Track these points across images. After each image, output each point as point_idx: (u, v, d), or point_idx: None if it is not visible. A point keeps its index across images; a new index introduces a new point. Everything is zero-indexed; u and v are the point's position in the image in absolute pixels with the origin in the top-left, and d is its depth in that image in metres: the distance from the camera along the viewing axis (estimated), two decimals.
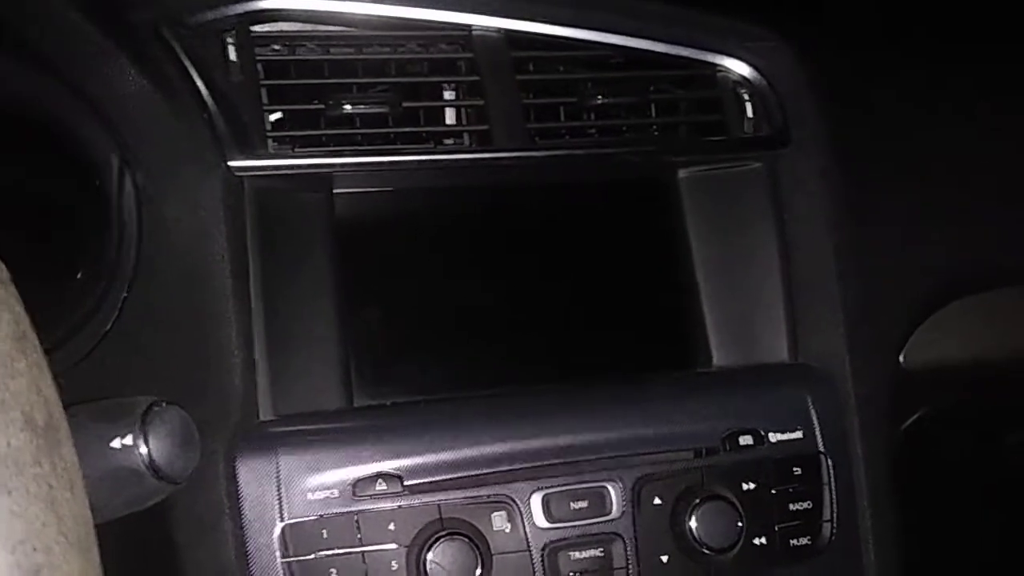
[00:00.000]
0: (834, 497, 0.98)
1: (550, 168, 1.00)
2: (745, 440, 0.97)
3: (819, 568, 0.98)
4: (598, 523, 0.92)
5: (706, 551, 0.92)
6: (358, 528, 0.86)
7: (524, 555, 0.89)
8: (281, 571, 0.85)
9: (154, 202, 0.88)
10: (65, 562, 0.43)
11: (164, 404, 0.70)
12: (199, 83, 0.90)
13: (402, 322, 0.98)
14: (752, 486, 0.95)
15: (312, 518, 0.86)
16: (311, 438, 0.88)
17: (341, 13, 0.96)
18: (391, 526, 0.87)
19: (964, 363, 1.15)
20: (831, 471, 0.99)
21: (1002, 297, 1.16)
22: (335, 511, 0.86)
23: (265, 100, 0.93)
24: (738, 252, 1.06)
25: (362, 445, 0.88)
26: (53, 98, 0.87)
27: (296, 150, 0.93)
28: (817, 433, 0.99)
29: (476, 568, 0.87)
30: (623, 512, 0.92)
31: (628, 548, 0.92)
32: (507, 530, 0.89)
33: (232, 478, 0.86)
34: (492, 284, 1.02)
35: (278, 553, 0.85)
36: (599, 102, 1.01)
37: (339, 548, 0.86)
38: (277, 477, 0.86)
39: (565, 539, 0.91)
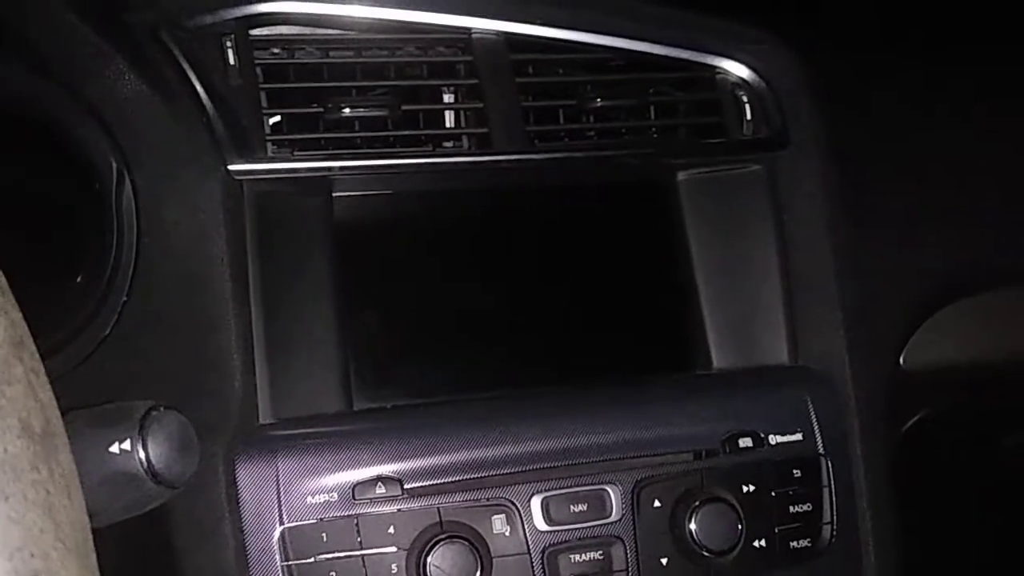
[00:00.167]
0: (834, 499, 0.98)
1: (549, 171, 1.00)
2: (745, 442, 0.96)
3: (819, 570, 0.98)
4: (598, 526, 0.92)
5: (706, 553, 0.92)
6: (358, 531, 0.86)
7: (524, 558, 0.89)
8: (281, 574, 0.85)
9: (153, 205, 0.88)
10: (63, 568, 0.43)
11: (163, 408, 0.70)
12: (198, 86, 0.90)
13: (402, 325, 0.98)
14: (752, 488, 0.95)
15: (312, 521, 0.86)
16: (311, 441, 0.88)
17: (340, 16, 0.96)
18: (391, 529, 0.87)
19: (963, 365, 1.15)
20: (831, 473, 0.99)
21: (1000, 299, 1.16)
22: (335, 514, 0.86)
23: (264, 103, 0.93)
24: (737, 254, 1.06)
25: (362, 448, 0.88)
26: (51, 101, 0.86)
27: (295, 153, 0.93)
28: (817, 435, 0.99)
29: (476, 571, 0.87)
30: (623, 514, 0.92)
31: (628, 550, 0.92)
32: (507, 533, 0.89)
33: (232, 482, 0.86)
34: (492, 287, 1.02)
35: (278, 556, 0.85)
36: (598, 104, 1.01)
37: (339, 551, 0.86)
38: (277, 480, 0.86)
39: (565, 542, 0.91)
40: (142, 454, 0.67)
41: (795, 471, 0.97)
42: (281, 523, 0.85)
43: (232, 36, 0.93)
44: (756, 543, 0.94)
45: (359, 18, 0.97)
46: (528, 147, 0.98)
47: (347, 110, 0.94)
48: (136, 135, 0.88)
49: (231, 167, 0.89)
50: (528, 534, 0.90)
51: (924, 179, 1.12)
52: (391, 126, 0.96)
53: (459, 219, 1.01)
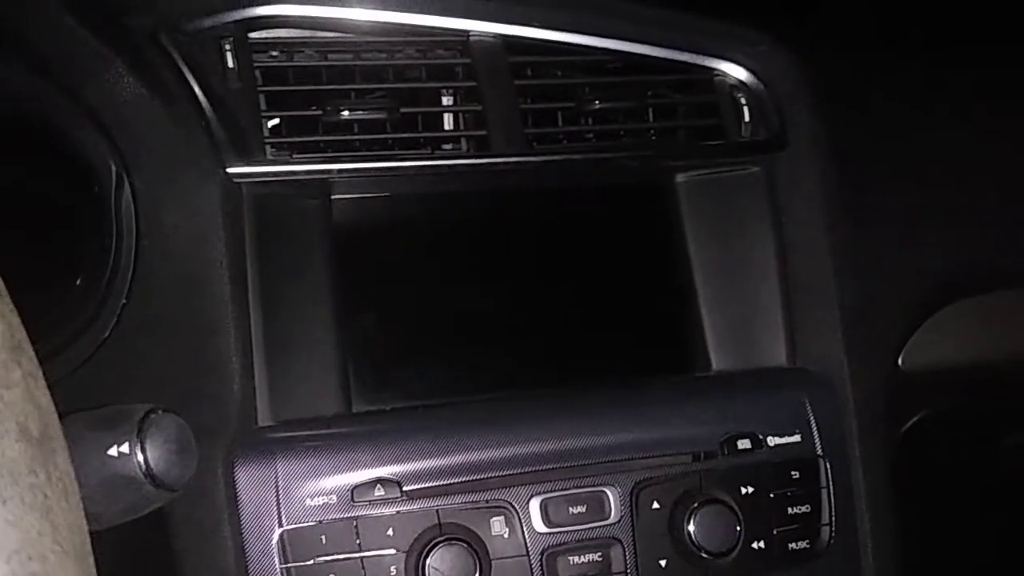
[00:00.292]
0: (832, 501, 0.98)
1: (548, 173, 1.00)
2: (743, 444, 0.97)
3: (818, 571, 0.98)
4: (597, 527, 0.92)
5: (704, 555, 0.92)
6: (357, 534, 0.86)
7: (523, 560, 0.89)
8: None
9: (152, 208, 0.88)
10: (61, 571, 0.43)
11: (161, 411, 0.70)
12: (197, 89, 0.90)
13: (400, 327, 0.99)
14: (750, 490, 0.95)
15: (311, 524, 0.86)
16: (309, 444, 0.88)
17: (339, 19, 0.96)
18: (390, 531, 0.87)
19: (962, 366, 1.15)
20: (829, 474, 0.99)
21: (1000, 300, 1.16)
22: (334, 517, 0.86)
23: (263, 106, 0.93)
24: (736, 256, 1.06)
25: (361, 450, 0.88)
26: (51, 104, 0.87)
27: (294, 156, 0.93)
28: (815, 437, 0.99)
29: (475, 573, 0.87)
30: (621, 516, 0.92)
31: (627, 552, 0.92)
32: (506, 535, 0.89)
33: (231, 484, 0.86)
34: (490, 289, 1.02)
35: (277, 559, 0.85)
36: (597, 107, 1.01)
37: (338, 554, 0.86)
38: (276, 483, 0.86)
39: (564, 544, 0.91)
40: (141, 457, 0.67)
41: (794, 472, 0.97)
42: (280, 525, 0.85)
43: (231, 39, 0.93)
44: (755, 544, 0.94)
45: (358, 21, 0.97)
46: (527, 149, 0.98)
47: (346, 113, 0.94)
48: (135, 138, 0.88)
49: (230, 170, 0.89)
50: (527, 536, 0.90)
51: (923, 180, 1.12)
52: (390, 129, 0.96)
53: (458, 221, 1.01)
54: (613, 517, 0.92)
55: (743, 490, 0.95)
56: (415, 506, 0.88)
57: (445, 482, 0.89)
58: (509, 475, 0.91)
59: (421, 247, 1.00)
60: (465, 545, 0.87)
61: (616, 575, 0.91)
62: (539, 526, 0.90)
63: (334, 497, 0.87)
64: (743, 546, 0.93)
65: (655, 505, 0.93)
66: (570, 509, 0.91)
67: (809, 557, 0.97)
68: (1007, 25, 1.21)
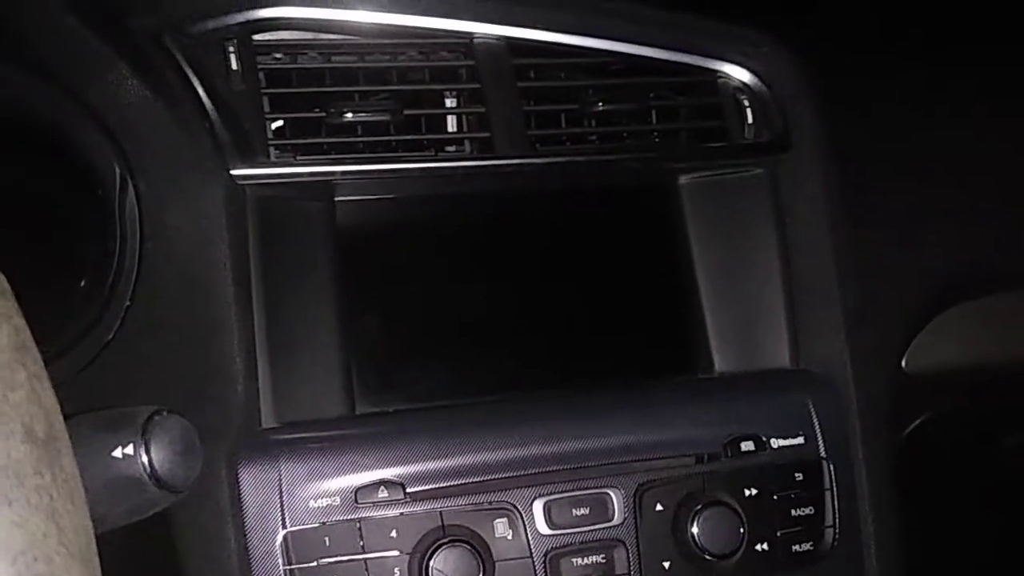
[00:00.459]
0: (836, 502, 0.98)
1: (551, 175, 1.00)
2: (747, 446, 0.96)
3: (821, 573, 0.98)
4: (600, 529, 0.92)
5: (708, 557, 0.92)
6: (360, 535, 0.86)
7: (526, 562, 0.89)
8: None
9: (156, 210, 0.88)
10: (66, 572, 0.43)
11: (165, 413, 0.70)
12: (201, 91, 0.90)
13: (404, 329, 0.99)
14: (754, 492, 0.95)
15: (314, 526, 0.86)
16: (313, 445, 0.88)
17: (343, 21, 0.96)
18: (393, 533, 0.87)
19: (966, 367, 1.15)
20: (833, 476, 0.99)
21: (1003, 301, 1.16)
22: (337, 518, 0.86)
23: (267, 108, 0.93)
24: (739, 257, 1.06)
25: (364, 452, 0.88)
26: (54, 106, 0.86)
27: (298, 158, 0.93)
28: (819, 438, 0.99)
29: (478, 575, 0.87)
30: (625, 518, 0.92)
31: (630, 554, 0.92)
32: (509, 537, 0.89)
33: (234, 486, 0.86)
34: (494, 291, 1.02)
35: (280, 560, 0.85)
36: (600, 109, 1.01)
37: (341, 555, 0.86)
38: (279, 485, 0.86)
39: (567, 545, 0.91)
40: (145, 458, 0.67)
41: (797, 474, 0.97)
42: (284, 527, 0.86)
43: (235, 41, 0.93)
44: (758, 547, 0.94)
45: (361, 23, 0.97)
46: (530, 151, 0.98)
47: (349, 115, 0.94)
48: (139, 140, 0.88)
49: (234, 172, 0.89)
50: (530, 538, 0.90)
51: (926, 181, 1.12)
52: (393, 131, 0.96)
53: (461, 223, 1.01)
54: (616, 519, 0.92)
55: (746, 492, 0.95)
56: (419, 508, 0.88)
57: (448, 484, 0.89)
58: (512, 477, 0.91)
59: (424, 249, 1.00)
60: (468, 547, 0.87)
61: None
62: (542, 528, 0.90)
63: (338, 499, 0.87)
64: (746, 548, 0.93)
65: (658, 507, 0.93)
66: (573, 511, 0.91)
67: (813, 559, 0.97)
68: (1007, 25, 1.21)
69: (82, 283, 0.87)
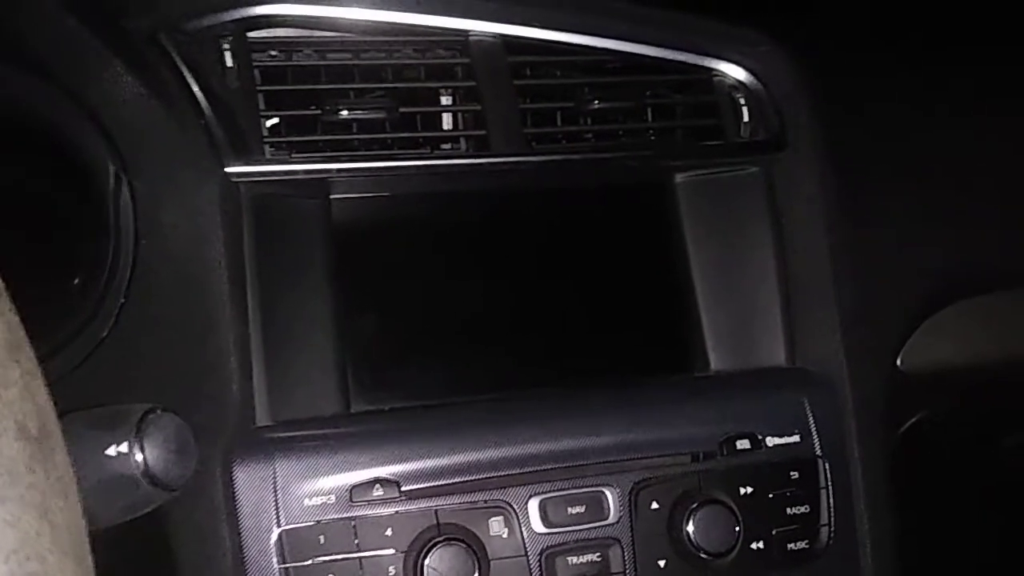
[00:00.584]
0: (831, 501, 0.98)
1: (547, 173, 1.00)
2: (742, 444, 0.97)
3: (817, 572, 0.98)
4: (595, 528, 0.92)
5: (703, 555, 0.92)
6: (355, 534, 0.86)
7: (521, 560, 0.89)
8: None
9: (151, 208, 0.88)
10: (59, 571, 0.42)
11: (160, 411, 0.70)
12: (196, 89, 0.90)
13: (399, 327, 0.98)
14: (749, 490, 0.95)
15: (309, 524, 0.86)
16: (308, 444, 0.88)
17: (338, 19, 0.96)
18: (388, 532, 0.87)
19: (962, 366, 1.15)
20: (828, 475, 0.99)
21: (999, 300, 1.16)
22: (332, 517, 0.86)
23: (262, 106, 0.93)
24: (735, 256, 1.06)
25: (359, 451, 0.88)
26: (50, 104, 0.86)
27: (293, 156, 0.93)
28: (815, 437, 0.99)
29: (473, 573, 0.87)
30: (620, 517, 0.92)
31: (626, 553, 0.92)
32: (504, 535, 0.89)
33: (229, 484, 0.86)
34: (489, 289, 1.02)
35: (275, 559, 0.85)
36: (596, 107, 1.01)
37: (336, 554, 0.86)
38: (274, 483, 0.86)
39: (563, 544, 0.91)
40: (139, 457, 0.67)
41: (793, 473, 0.97)
42: (278, 525, 0.85)
43: (230, 39, 0.93)
44: (754, 545, 0.94)
45: (357, 20, 0.97)
46: (526, 149, 0.98)
47: (345, 112, 0.94)
48: (134, 138, 0.88)
49: (229, 169, 0.89)
50: (525, 536, 0.90)
51: (922, 180, 1.12)
52: (389, 128, 0.96)
53: (457, 221, 1.01)
54: (612, 517, 0.92)
55: (742, 490, 0.95)
56: (414, 506, 0.88)
57: (444, 482, 0.89)
58: (508, 475, 0.91)
59: (420, 247, 1.00)
60: (464, 545, 0.87)
61: (615, 575, 0.91)
62: (538, 526, 0.90)
63: (332, 497, 0.87)
64: (742, 546, 0.93)
65: (654, 505, 0.93)
66: (569, 509, 0.91)
67: (808, 557, 0.97)
68: (1006, 25, 1.21)
69: (76, 280, 0.87)
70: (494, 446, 0.91)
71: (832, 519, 0.98)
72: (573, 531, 0.91)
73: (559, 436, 0.93)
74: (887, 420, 1.06)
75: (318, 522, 0.86)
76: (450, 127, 1.01)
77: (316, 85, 0.96)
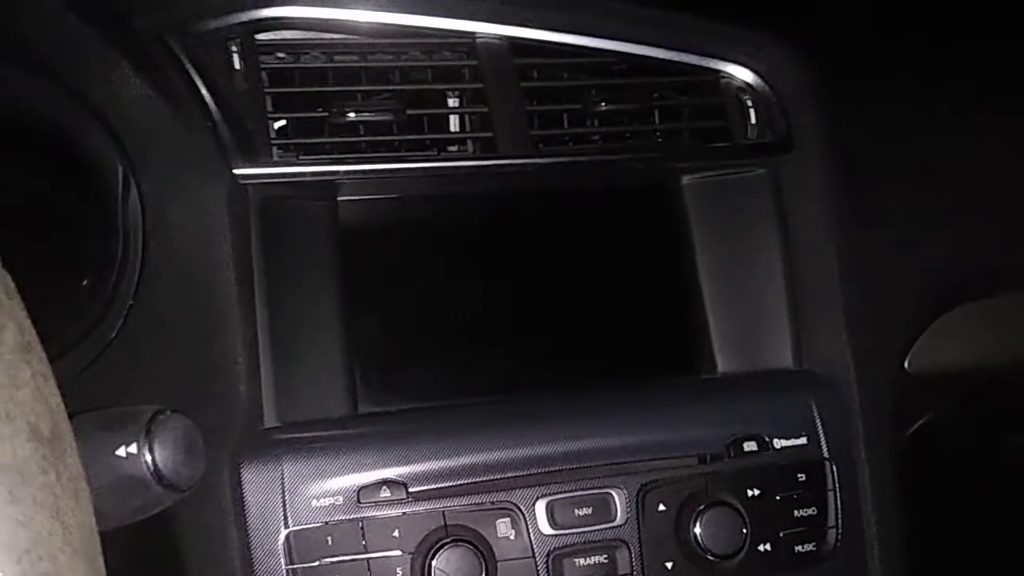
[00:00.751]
0: (839, 503, 0.98)
1: (554, 175, 1.00)
2: (749, 446, 0.96)
3: (824, 574, 0.98)
4: (603, 530, 0.92)
5: (711, 557, 0.92)
6: (363, 535, 0.86)
7: (529, 562, 0.89)
8: None
9: (159, 210, 0.88)
10: (71, 571, 0.43)
11: (169, 412, 0.70)
12: (203, 91, 0.90)
13: (407, 329, 0.99)
14: (757, 492, 0.95)
15: (317, 525, 0.86)
16: (315, 445, 0.88)
17: (345, 21, 0.96)
18: (396, 533, 0.87)
19: (969, 368, 1.14)
20: (836, 477, 0.99)
21: (1007, 302, 1.16)
22: (340, 518, 0.86)
23: (269, 108, 0.93)
24: (742, 258, 1.06)
25: (367, 452, 0.88)
26: (58, 106, 0.87)
27: (300, 158, 0.93)
28: (822, 439, 0.99)
29: (481, 575, 0.87)
30: (628, 518, 0.92)
31: (633, 555, 0.92)
32: (511, 537, 0.89)
33: (237, 485, 0.86)
34: (497, 291, 1.02)
35: (283, 560, 0.85)
36: (603, 109, 1.01)
37: (344, 555, 0.86)
38: (282, 484, 0.86)
39: (570, 546, 0.91)
40: (149, 458, 0.68)
41: (800, 475, 0.97)
42: (286, 526, 0.85)
43: (238, 41, 0.93)
44: (761, 547, 0.94)
45: (364, 22, 0.97)
46: (533, 151, 0.98)
47: (352, 114, 0.94)
48: (142, 140, 0.88)
49: (236, 171, 0.89)
50: (533, 538, 0.90)
51: (929, 181, 1.12)
52: (396, 130, 0.96)
53: (464, 223, 1.01)
54: (619, 519, 0.92)
55: (749, 492, 0.95)
56: (421, 507, 0.88)
57: (451, 484, 0.89)
58: (515, 477, 0.91)
59: (427, 249, 1.00)
60: (471, 547, 0.87)
61: None
62: (545, 528, 0.90)
63: (340, 498, 0.87)
64: (749, 548, 0.93)
65: (661, 507, 0.93)
66: (576, 511, 0.91)
67: (815, 559, 0.97)
68: (1010, 25, 1.21)
69: (85, 282, 0.87)
70: (501, 448, 0.91)
71: (839, 521, 0.98)
72: (580, 533, 0.91)
73: (566, 438, 0.93)
74: (894, 422, 1.06)
75: (326, 523, 0.86)
76: (457, 129, 1.01)
77: (324, 87, 0.96)
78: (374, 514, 0.87)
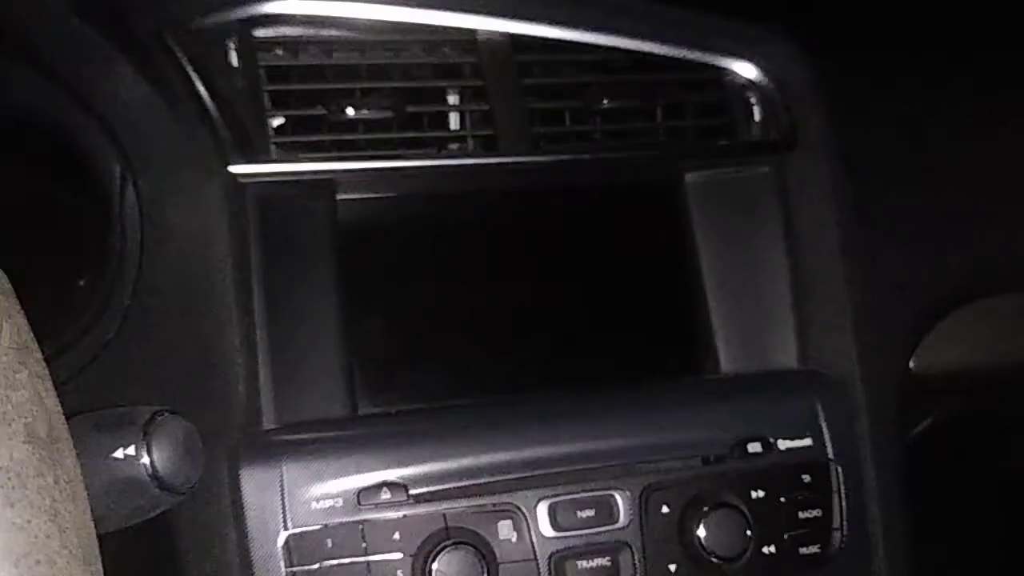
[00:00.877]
0: (844, 504, 0.98)
1: (556, 173, 1.00)
2: (754, 447, 0.96)
3: None
4: (605, 532, 0.91)
5: (715, 560, 0.91)
6: (363, 537, 0.86)
7: (530, 564, 0.89)
8: None
9: (156, 208, 0.88)
10: (68, 574, 0.42)
11: (167, 413, 0.70)
12: (201, 88, 0.90)
13: (406, 329, 0.98)
14: (761, 494, 0.95)
15: (316, 527, 0.85)
16: (315, 446, 0.87)
17: (344, 17, 0.96)
18: (396, 535, 0.86)
19: (975, 368, 1.14)
20: (841, 478, 0.98)
21: (1012, 302, 1.16)
22: (340, 520, 0.86)
23: (267, 105, 0.93)
24: (746, 256, 1.05)
25: (366, 453, 0.88)
26: (55, 104, 0.87)
27: (299, 155, 0.93)
28: (827, 440, 0.98)
29: None
30: (630, 520, 0.91)
31: (636, 557, 0.91)
32: (513, 539, 0.89)
33: (236, 487, 0.85)
34: (498, 290, 1.01)
35: (282, 562, 0.84)
36: (605, 106, 1.00)
37: (344, 557, 0.85)
38: (281, 486, 0.85)
39: (572, 548, 0.90)
40: (147, 459, 0.68)
41: (805, 476, 0.97)
42: (285, 529, 0.85)
43: (235, 38, 0.92)
44: (765, 549, 0.94)
45: (363, 19, 0.96)
46: (534, 149, 0.97)
47: (351, 111, 0.93)
48: (139, 138, 0.87)
49: (234, 169, 0.88)
50: (535, 540, 0.89)
51: (935, 180, 1.12)
52: (395, 128, 0.95)
53: (464, 222, 1.01)
54: (622, 521, 0.91)
55: (753, 494, 0.94)
56: (421, 509, 0.87)
57: (452, 485, 0.89)
58: (516, 478, 0.90)
59: (427, 247, 1.00)
60: (472, 549, 0.86)
61: None
62: (547, 530, 0.90)
63: (340, 500, 0.86)
64: (753, 551, 0.93)
65: (664, 509, 0.92)
66: (578, 513, 0.91)
67: (821, 561, 0.97)
68: (1015, 23, 1.21)
69: (82, 281, 0.87)
70: (502, 449, 0.91)
71: (844, 523, 0.97)
72: (583, 535, 0.90)
73: (568, 439, 0.92)
74: (900, 422, 1.06)
75: (325, 525, 0.85)
76: (457, 126, 1.01)
77: (322, 84, 0.95)
78: (374, 516, 0.86)
